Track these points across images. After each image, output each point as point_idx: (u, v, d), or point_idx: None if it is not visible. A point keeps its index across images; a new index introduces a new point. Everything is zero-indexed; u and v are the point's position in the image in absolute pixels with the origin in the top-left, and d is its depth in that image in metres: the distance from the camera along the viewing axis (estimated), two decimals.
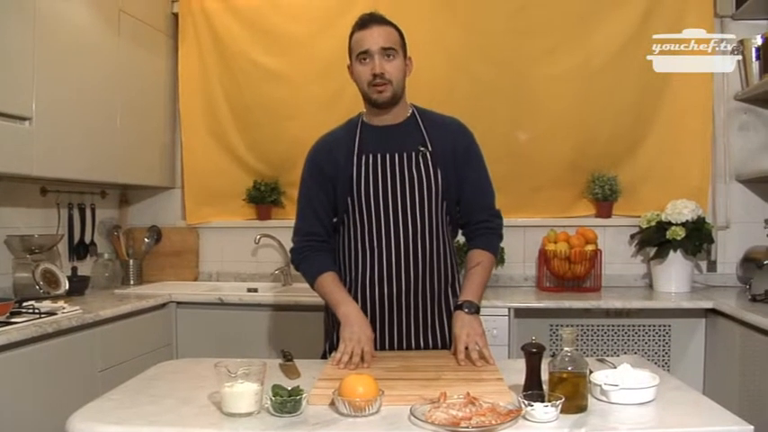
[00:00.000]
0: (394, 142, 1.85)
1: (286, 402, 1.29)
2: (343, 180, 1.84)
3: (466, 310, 1.79)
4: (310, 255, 1.89)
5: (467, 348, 1.70)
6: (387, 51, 1.78)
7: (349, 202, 1.85)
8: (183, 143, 3.53)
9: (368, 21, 1.80)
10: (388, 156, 1.84)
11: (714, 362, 2.80)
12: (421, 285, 1.86)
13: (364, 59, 1.79)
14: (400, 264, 1.84)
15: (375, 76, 1.77)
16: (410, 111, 1.91)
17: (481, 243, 1.92)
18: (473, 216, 1.92)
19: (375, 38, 1.78)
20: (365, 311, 1.84)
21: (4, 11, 2.34)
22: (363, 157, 1.84)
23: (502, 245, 3.15)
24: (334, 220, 1.90)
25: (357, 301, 1.85)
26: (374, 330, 1.79)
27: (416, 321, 1.88)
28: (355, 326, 1.74)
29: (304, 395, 1.31)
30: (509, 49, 3.20)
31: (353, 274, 1.89)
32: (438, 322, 1.89)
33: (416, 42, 3.38)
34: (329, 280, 1.84)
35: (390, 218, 1.84)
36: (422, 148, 1.85)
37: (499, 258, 3.20)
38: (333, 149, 1.88)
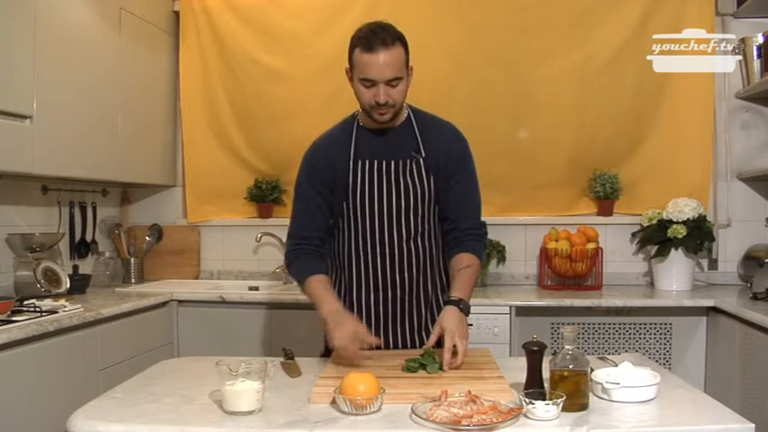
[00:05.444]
0: (388, 148, 1.82)
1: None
2: (341, 185, 1.83)
3: (461, 307, 1.71)
4: (301, 258, 1.85)
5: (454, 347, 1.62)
6: (393, 81, 1.69)
7: (344, 206, 1.84)
8: (184, 141, 3.53)
9: (374, 43, 1.65)
10: (384, 163, 1.82)
11: (715, 360, 2.80)
12: (415, 289, 1.87)
13: (368, 85, 1.70)
14: (395, 268, 1.85)
15: (378, 104, 1.70)
16: (406, 113, 1.86)
17: (469, 248, 1.85)
18: (460, 223, 1.87)
19: (382, 68, 1.65)
20: (360, 314, 1.85)
21: (5, 9, 2.33)
22: (359, 163, 1.82)
23: (503, 243, 3.22)
24: (331, 221, 1.88)
25: (353, 304, 1.87)
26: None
27: (411, 324, 1.89)
28: (345, 325, 1.64)
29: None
30: (510, 49, 3.20)
31: (348, 277, 1.89)
32: (432, 324, 1.86)
33: (417, 42, 3.35)
34: (315, 282, 1.78)
35: (385, 223, 1.83)
36: (414, 154, 1.83)
37: (500, 257, 3.21)
38: (329, 153, 1.85)
